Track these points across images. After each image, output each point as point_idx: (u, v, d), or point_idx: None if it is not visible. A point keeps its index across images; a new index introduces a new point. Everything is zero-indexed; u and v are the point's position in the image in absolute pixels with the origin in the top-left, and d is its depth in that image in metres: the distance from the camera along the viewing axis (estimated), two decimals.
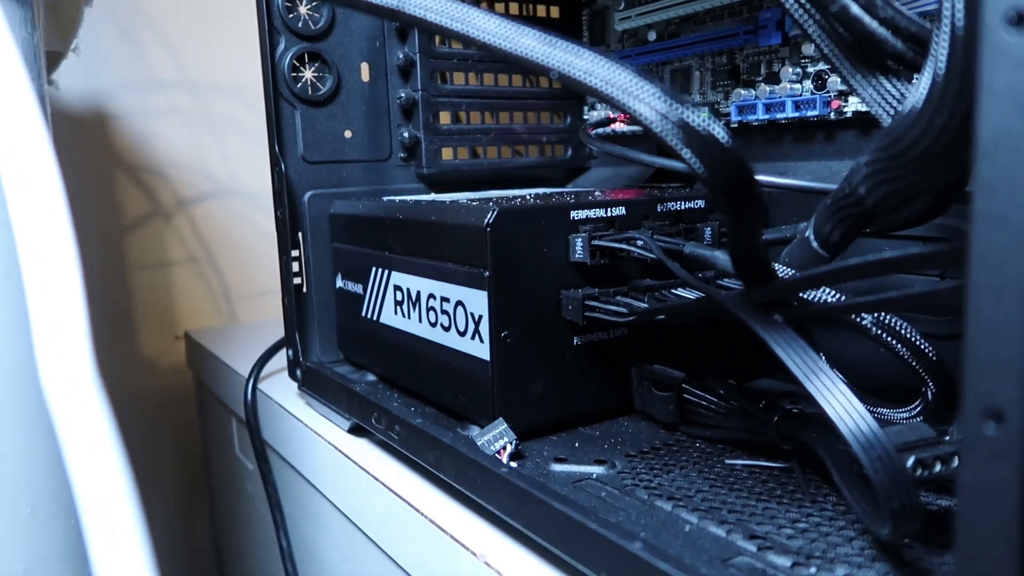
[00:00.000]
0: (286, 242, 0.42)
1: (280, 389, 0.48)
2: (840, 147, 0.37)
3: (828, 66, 0.36)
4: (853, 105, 0.35)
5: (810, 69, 0.37)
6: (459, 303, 0.32)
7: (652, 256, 0.30)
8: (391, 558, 0.34)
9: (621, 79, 0.20)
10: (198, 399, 0.68)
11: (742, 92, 0.40)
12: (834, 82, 0.35)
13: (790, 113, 0.37)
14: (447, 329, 0.34)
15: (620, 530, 0.21)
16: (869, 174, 0.22)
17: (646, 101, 0.20)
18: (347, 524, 0.38)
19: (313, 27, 0.42)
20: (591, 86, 0.20)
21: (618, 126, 0.46)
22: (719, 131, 0.19)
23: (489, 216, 0.30)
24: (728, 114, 0.41)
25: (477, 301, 0.31)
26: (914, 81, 0.22)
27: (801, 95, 0.37)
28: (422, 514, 0.30)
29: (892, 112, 0.23)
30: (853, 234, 0.25)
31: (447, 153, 0.47)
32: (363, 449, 0.37)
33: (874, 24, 0.22)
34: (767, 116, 0.38)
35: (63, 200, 0.15)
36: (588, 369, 0.33)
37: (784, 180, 0.34)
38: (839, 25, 0.22)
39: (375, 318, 0.40)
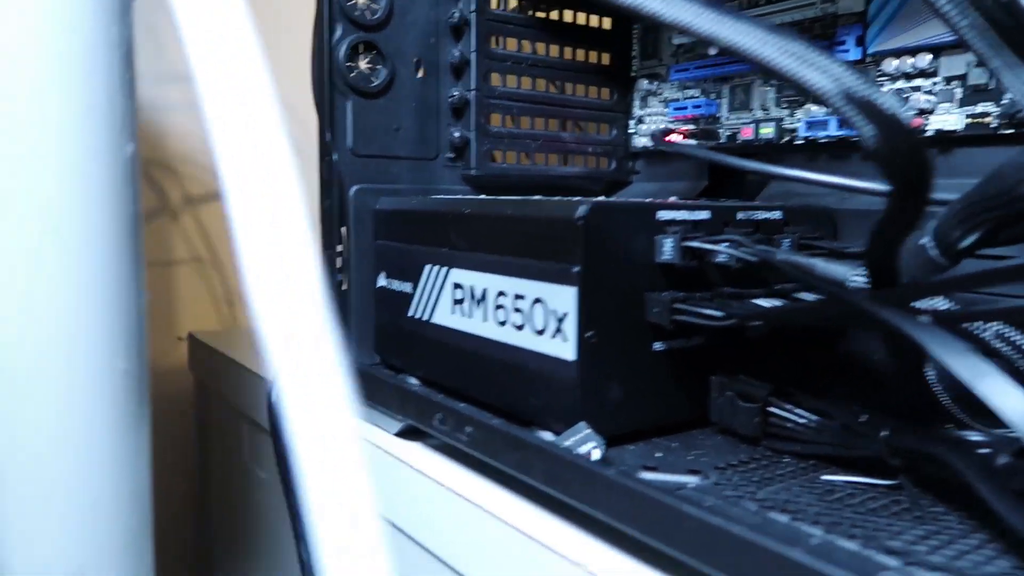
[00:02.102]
0: (332, 234, 0.40)
1: None
2: None
3: (925, 78, 0.35)
4: (936, 123, 0.35)
5: (888, 87, 0.36)
6: (538, 301, 0.31)
7: (750, 259, 0.29)
8: (452, 568, 0.32)
9: (797, 49, 0.19)
10: (197, 404, 0.64)
11: (812, 108, 0.39)
12: (915, 100, 0.35)
13: None
14: (519, 328, 0.32)
15: (780, 536, 0.20)
16: None
17: (827, 71, 0.19)
18: (395, 533, 0.36)
19: (371, 17, 0.41)
20: (763, 56, 0.19)
21: (674, 137, 0.45)
22: (902, 112, 0.18)
23: (582, 209, 0.29)
24: (795, 130, 0.40)
25: (562, 298, 0.29)
26: None
27: None
28: (502, 520, 0.28)
29: None
30: (986, 242, 0.24)
31: (496, 156, 0.45)
32: (418, 453, 0.35)
33: None
34: (839, 133, 0.38)
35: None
36: (666, 377, 0.32)
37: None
38: (1005, 15, 0.21)
39: (426, 318, 0.38)
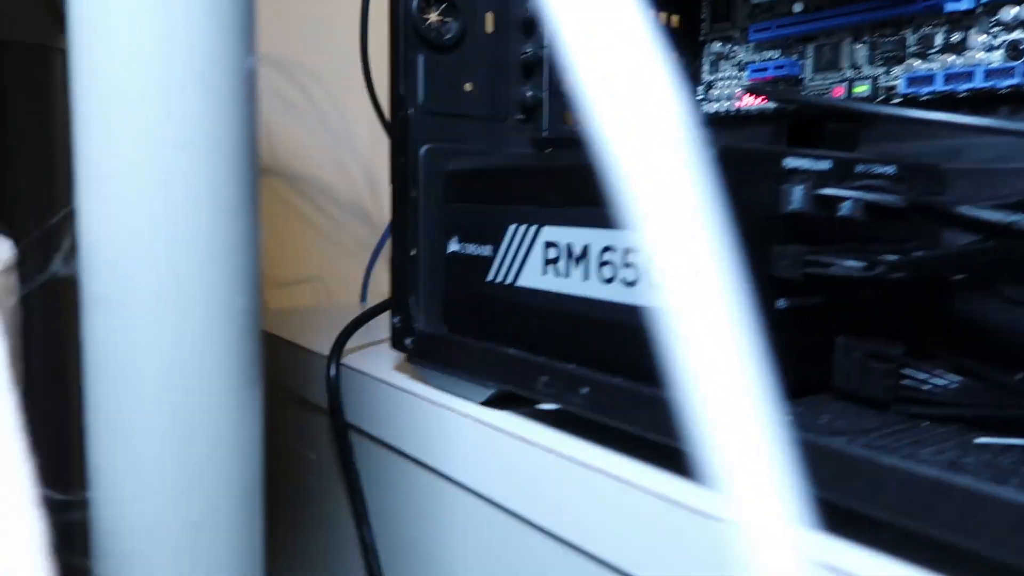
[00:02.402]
0: (406, 192, 0.38)
1: (369, 365, 0.43)
2: None
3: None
4: None
5: (1001, 38, 0.34)
6: None
7: (898, 206, 0.27)
8: (574, 546, 0.29)
9: None
10: None
11: (914, 64, 0.37)
12: None
13: (979, 84, 0.35)
14: (631, 284, 0.30)
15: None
16: None
17: None
18: (489, 511, 0.34)
19: None
20: None
21: (746, 102, 0.43)
22: None
23: (712, 151, 0.27)
24: (893, 87, 0.38)
25: None
26: None
27: (991, 65, 0.35)
28: (639, 487, 0.26)
29: None
30: None
31: (568, 118, 0.43)
32: (515, 423, 0.33)
33: None
34: (946, 87, 0.36)
35: None
36: (789, 337, 0.30)
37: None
38: None
39: (509, 282, 0.36)
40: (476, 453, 0.33)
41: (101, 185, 0.19)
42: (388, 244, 0.42)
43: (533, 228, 0.34)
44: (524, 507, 0.31)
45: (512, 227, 0.35)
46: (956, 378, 0.28)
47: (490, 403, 0.35)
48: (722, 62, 0.47)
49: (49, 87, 0.43)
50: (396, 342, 0.40)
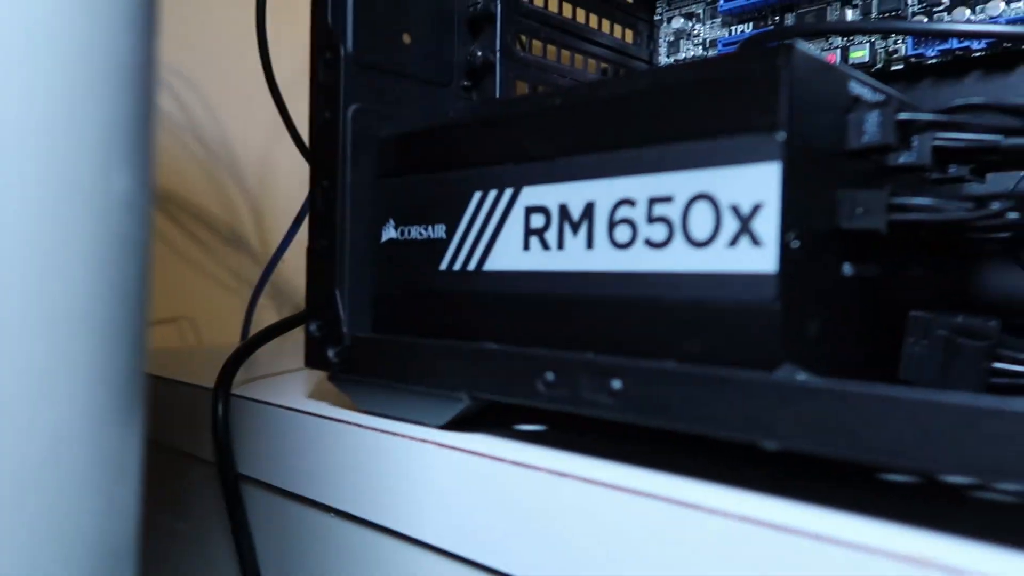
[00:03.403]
0: (334, 160, 0.29)
1: (271, 395, 0.33)
2: None
3: None
4: None
5: None
6: (699, 198, 0.21)
7: (999, 142, 0.21)
8: None
9: None
10: None
11: (923, 21, 0.33)
12: None
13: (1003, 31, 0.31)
14: (660, 246, 0.22)
15: None
16: None
17: None
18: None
19: None
20: None
21: None
22: None
23: (783, 55, 0.20)
24: (896, 51, 0.34)
25: (752, 183, 0.20)
26: None
27: (1015, 15, 0.31)
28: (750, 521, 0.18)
29: None
30: None
31: (521, 88, 0.36)
32: (503, 446, 0.24)
33: None
34: (962, 45, 0.32)
35: None
36: (854, 315, 0.23)
37: None
38: None
39: (473, 267, 0.27)
40: (450, 494, 0.24)
41: None
42: (275, 278, 0.33)
43: (508, 192, 0.26)
44: (539, 566, 0.22)
45: (476, 196, 0.27)
46: None
47: (454, 425, 0.26)
48: (682, 42, 0.42)
49: None
50: (313, 357, 0.30)
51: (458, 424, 0.26)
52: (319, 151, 0.30)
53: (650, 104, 0.23)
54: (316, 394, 0.33)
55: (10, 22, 0.11)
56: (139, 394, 0.15)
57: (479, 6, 0.34)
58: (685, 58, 0.42)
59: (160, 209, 0.64)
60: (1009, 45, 0.31)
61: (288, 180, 0.71)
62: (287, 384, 0.36)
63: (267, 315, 0.71)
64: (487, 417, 0.28)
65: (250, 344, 0.37)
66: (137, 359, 0.15)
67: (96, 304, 0.12)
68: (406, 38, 0.32)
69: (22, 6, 0.12)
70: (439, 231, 0.29)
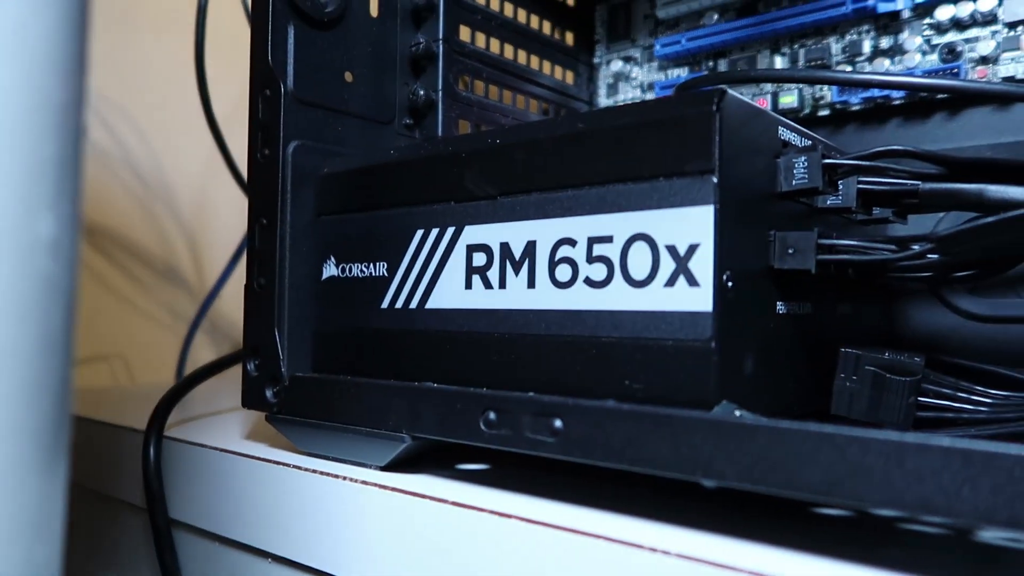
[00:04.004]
0: (273, 197, 0.29)
1: (205, 436, 0.32)
2: (967, 125, 0.33)
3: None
4: (1004, 72, 0.31)
5: (936, 41, 0.33)
6: (637, 239, 0.22)
7: (911, 187, 0.23)
8: None
9: None
10: None
11: (846, 71, 0.35)
12: (971, 50, 0.31)
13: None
14: (600, 285, 0.23)
15: None
16: None
17: None
18: None
19: None
20: None
21: None
22: None
23: (716, 100, 0.21)
24: (822, 97, 0.35)
25: (687, 225, 0.21)
26: None
27: (927, 68, 0.33)
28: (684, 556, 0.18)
29: None
30: None
31: (463, 127, 0.36)
32: (444, 487, 0.23)
33: None
34: (883, 93, 0.33)
35: None
36: (788, 352, 0.24)
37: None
38: None
39: (415, 305, 0.27)
40: (391, 537, 0.23)
41: None
42: (212, 314, 0.32)
43: (450, 231, 0.26)
44: None
45: (418, 234, 0.27)
46: (981, 389, 0.24)
47: (396, 466, 0.25)
48: (621, 84, 0.43)
49: None
50: (251, 397, 0.29)
51: (400, 465, 0.25)
52: (257, 188, 0.30)
53: (588, 146, 0.23)
54: (253, 435, 0.32)
55: None
56: (64, 441, 0.15)
57: (421, 46, 0.35)
58: (624, 100, 0.43)
59: (90, 242, 0.62)
60: (925, 95, 0.33)
61: (226, 212, 0.70)
62: (223, 424, 0.35)
63: (204, 352, 0.69)
64: (430, 457, 0.28)
65: (184, 384, 0.36)
66: (62, 406, 0.14)
67: (17, 350, 0.12)
68: (348, 76, 0.32)
69: None
70: (381, 269, 0.29)
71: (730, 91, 0.21)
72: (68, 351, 0.12)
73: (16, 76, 0.11)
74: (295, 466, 0.26)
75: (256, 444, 0.30)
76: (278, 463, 0.27)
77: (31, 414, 0.12)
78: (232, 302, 0.63)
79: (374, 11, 0.34)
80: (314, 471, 0.26)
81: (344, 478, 0.25)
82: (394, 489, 0.23)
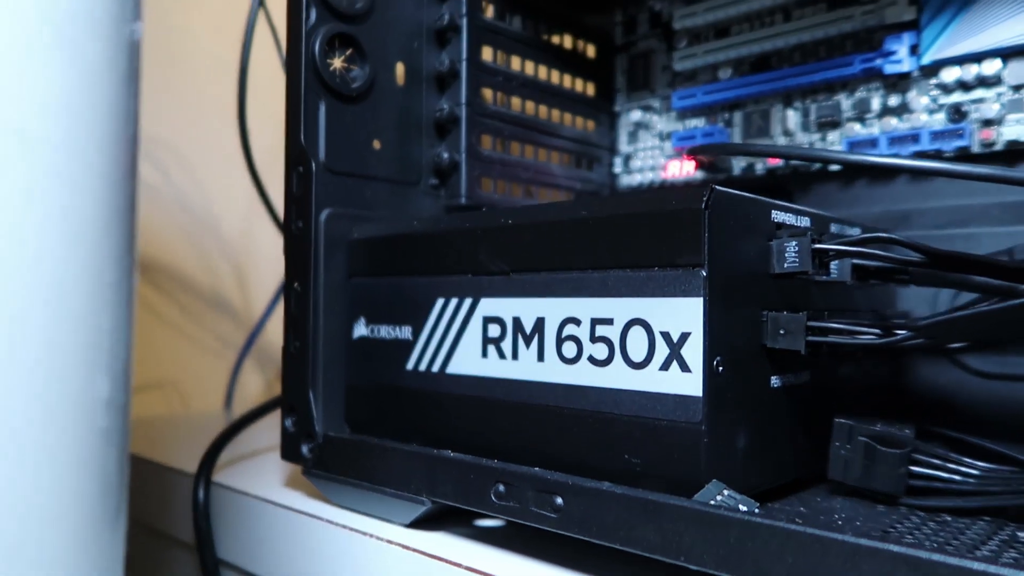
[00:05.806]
0: (306, 265, 0.31)
1: (250, 483, 0.34)
2: (971, 185, 0.33)
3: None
4: (1008, 134, 0.32)
5: (942, 101, 0.33)
6: (635, 323, 0.23)
7: (906, 267, 0.24)
8: None
9: None
10: None
11: (856, 127, 0.36)
12: (976, 111, 0.32)
13: (926, 146, 0.33)
14: (602, 364, 0.24)
15: None
16: None
17: None
18: None
19: (350, 5, 0.34)
20: None
21: (671, 172, 0.40)
22: None
23: (706, 197, 0.22)
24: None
25: (679, 314, 0.22)
26: None
27: (934, 127, 0.33)
28: None
29: None
30: None
31: (486, 184, 0.38)
32: (458, 548, 0.26)
33: None
34: (891, 150, 0.34)
35: None
36: (784, 422, 0.25)
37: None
38: None
39: (436, 369, 0.29)
40: None
41: None
42: (259, 341, 0.35)
43: (468, 301, 0.28)
44: None
45: (439, 302, 0.30)
46: (969, 461, 0.25)
47: (419, 523, 0.28)
48: (641, 132, 0.44)
49: None
50: (288, 451, 0.32)
51: (422, 522, 0.27)
52: (292, 256, 0.32)
53: (591, 233, 0.25)
54: (292, 482, 0.35)
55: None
56: (121, 531, 0.17)
57: (445, 111, 0.37)
58: (644, 148, 0.44)
59: (144, 276, 0.66)
60: (934, 151, 0.34)
61: (271, 243, 0.73)
62: (266, 466, 0.38)
63: (251, 378, 0.73)
64: (451, 511, 0.30)
65: (231, 429, 0.39)
66: (115, 534, 0.16)
67: (78, 496, 0.14)
68: (376, 144, 0.35)
69: None
70: (406, 332, 0.31)
71: (718, 188, 0.22)
72: (123, 494, 0.15)
73: (77, 266, 0.13)
74: (327, 520, 0.29)
75: (294, 492, 0.33)
76: (311, 516, 0.29)
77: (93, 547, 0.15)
78: (277, 330, 0.66)
79: (400, 80, 0.36)
80: (343, 526, 0.28)
81: (370, 535, 0.27)
82: (414, 550, 0.25)
